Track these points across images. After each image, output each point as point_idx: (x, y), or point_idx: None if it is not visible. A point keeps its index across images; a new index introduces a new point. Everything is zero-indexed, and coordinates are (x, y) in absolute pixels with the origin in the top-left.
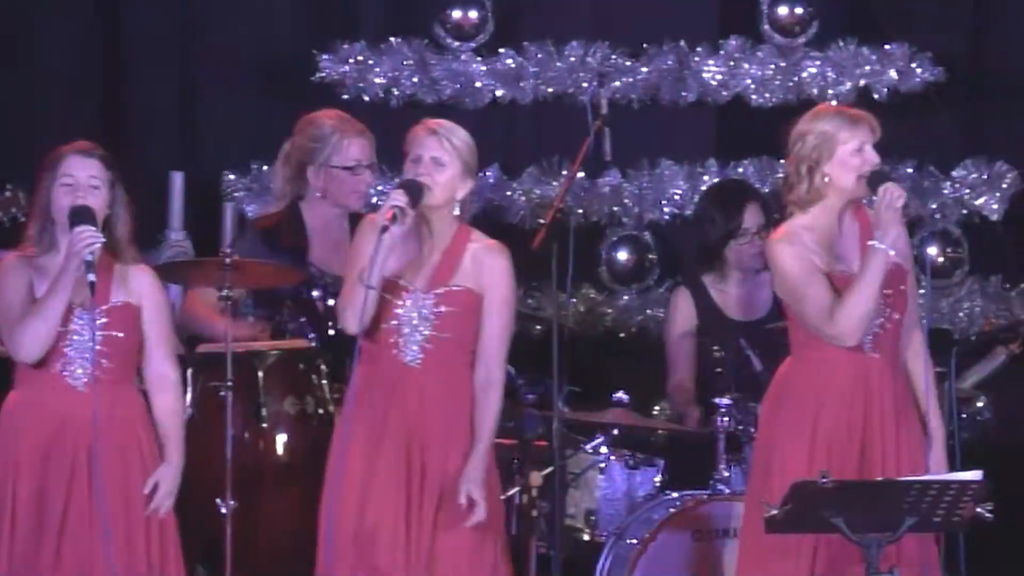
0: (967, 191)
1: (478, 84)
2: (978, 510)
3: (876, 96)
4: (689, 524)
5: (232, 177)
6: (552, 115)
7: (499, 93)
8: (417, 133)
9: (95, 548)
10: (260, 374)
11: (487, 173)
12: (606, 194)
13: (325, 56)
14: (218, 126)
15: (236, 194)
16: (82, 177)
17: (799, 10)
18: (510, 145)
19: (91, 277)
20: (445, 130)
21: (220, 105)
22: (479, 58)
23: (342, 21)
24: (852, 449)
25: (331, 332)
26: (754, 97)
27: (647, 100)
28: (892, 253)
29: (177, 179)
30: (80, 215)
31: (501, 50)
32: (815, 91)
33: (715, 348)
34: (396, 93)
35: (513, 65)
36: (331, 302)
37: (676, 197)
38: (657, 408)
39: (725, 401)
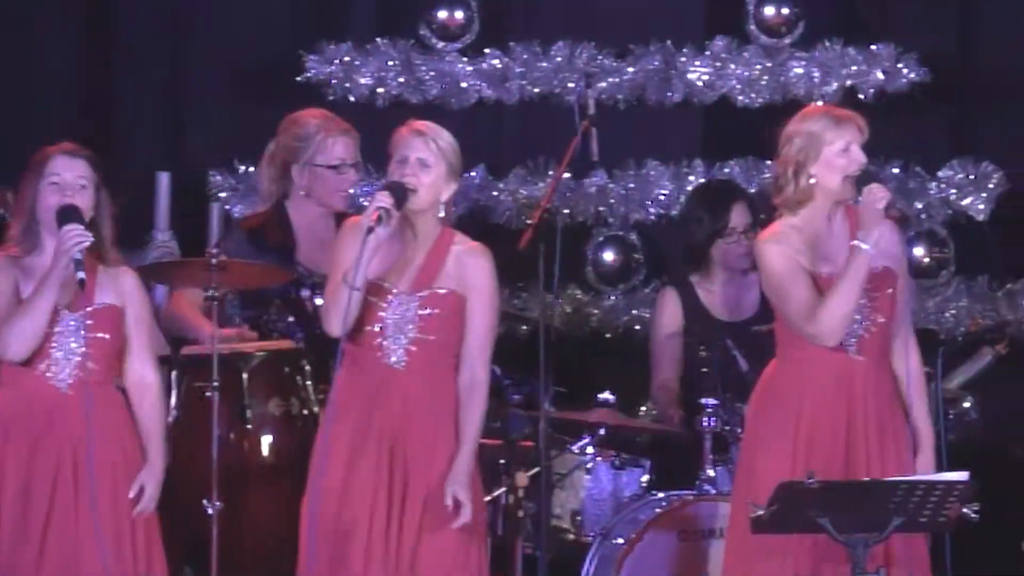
0: (953, 191)
1: (464, 84)
2: (964, 510)
3: (862, 96)
4: (675, 524)
5: (218, 177)
6: (538, 115)
7: (485, 93)
8: (403, 135)
9: (80, 549)
10: (245, 375)
11: (473, 173)
12: (592, 194)
13: (311, 56)
14: (204, 126)
15: (222, 194)
16: (69, 177)
17: (785, 10)
18: (496, 145)
19: (81, 275)
20: (431, 131)
21: (206, 105)
22: (465, 58)
23: (328, 22)
24: (837, 450)
25: (318, 332)
26: (740, 97)
27: (633, 100)
28: (872, 252)
29: (163, 179)
30: (68, 214)
31: (487, 50)
32: (801, 91)
33: (701, 348)
34: (382, 93)
35: (499, 65)
36: (319, 301)
37: (662, 197)
38: (643, 408)
39: (711, 402)
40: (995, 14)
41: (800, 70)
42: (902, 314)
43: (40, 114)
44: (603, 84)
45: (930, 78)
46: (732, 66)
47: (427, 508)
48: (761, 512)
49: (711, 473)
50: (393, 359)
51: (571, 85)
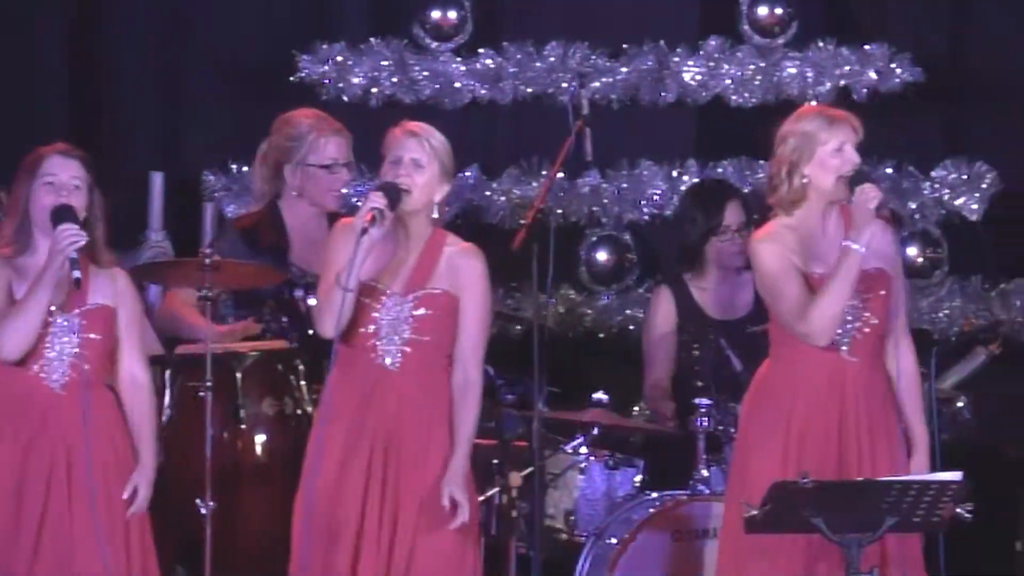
0: (947, 191)
1: (457, 84)
2: (957, 510)
3: (855, 96)
4: (669, 524)
5: (212, 177)
6: (532, 115)
7: (479, 93)
8: (396, 135)
9: (74, 549)
10: (238, 375)
11: (467, 173)
12: (586, 194)
13: (304, 56)
14: (198, 126)
15: (216, 194)
16: (64, 177)
17: (778, 10)
18: (490, 145)
19: (76, 274)
20: (425, 132)
21: (200, 105)
22: (458, 58)
23: (322, 22)
24: (829, 450)
25: (312, 332)
26: (734, 97)
27: (627, 100)
28: (864, 252)
29: (157, 179)
30: (62, 214)
31: (480, 50)
32: (794, 91)
33: (695, 346)
34: (375, 93)
35: (492, 65)
36: (312, 301)
37: (656, 197)
38: (636, 408)
39: (705, 401)
40: (988, 14)
41: (793, 70)
42: (896, 315)
43: (34, 114)
44: (596, 84)
45: (923, 78)
46: (725, 66)
47: (422, 509)
48: (755, 512)
49: (705, 473)
50: (387, 360)
51: (564, 85)
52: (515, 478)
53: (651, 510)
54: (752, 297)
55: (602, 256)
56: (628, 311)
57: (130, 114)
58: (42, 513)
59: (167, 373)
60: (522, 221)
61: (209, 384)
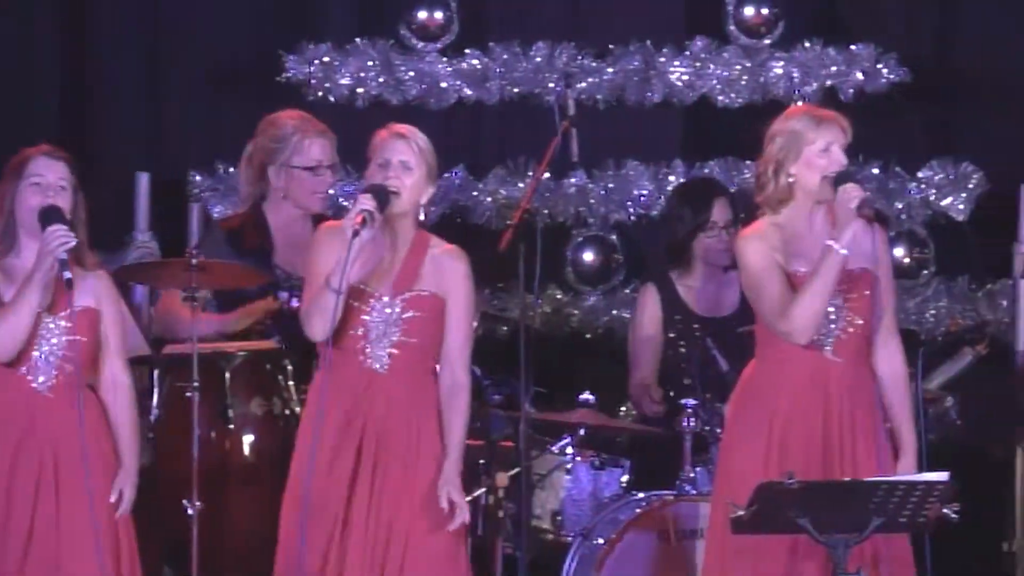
0: (933, 192)
1: (444, 85)
2: (944, 511)
3: (842, 97)
4: (655, 525)
5: (198, 178)
6: (518, 116)
7: (465, 94)
8: (383, 137)
9: (63, 550)
10: (227, 375)
11: (453, 174)
12: (572, 195)
13: (291, 57)
14: (184, 127)
15: (202, 195)
16: (51, 178)
17: (765, 11)
18: (476, 146)
19: (68, 275)
20: (412, 134)
21: (186, 106)
22: (445, 59)
23: (308, 22)
24: (813, 450)
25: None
26: (720, 98)
27: (613, 101)
28: (846, 252)
29: (143, 180)
30: (51, 215)
31: (467, 51)
32: (781, 92)
33: (681, 343)
34: (362, 94)
35: (479, 66)
36: (295, 303)
37: (642, 198)
38: (623, 409)
39: (691, 402)
40: (975, 15)
41: (780, 70)
42: (883, 316)
43: (19, 115)
44: (583, 84)
45: (910, 78)
46: (712, 66)
47: (415, 512)
48: (741, 512)
49: (691, 474)
50: (376, 363)
51: (551, 85)
52: (502, 478)
53: (638, 510)
54: (738, 296)
55: (588, 256)
56: (614, 311)
57: (116, 114)
58: (32, 515)
59: (155, 373)
60: (508, 221)
61: (196, 384)
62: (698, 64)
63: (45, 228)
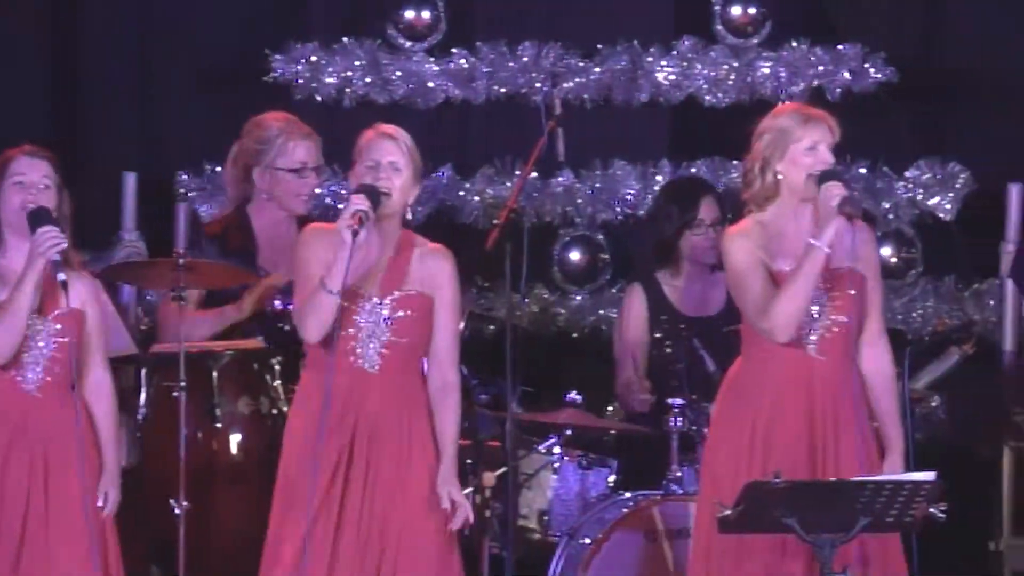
0: (920, 191)
1: (431, 84)
2: (931, 510)
3: (829, 96)
4: (642, 524)
5: (185, 177)
6: (505, 115)
7: (452, 93)
8: (371, 138)
9: (53, 551)
10: (214, 374)
11: (440, 173)
12: (559, 194)
13: (277, 56)
14: (171, 126)
15: (190, 194)
16: (35, 177)
17: (752, 10)
18: (463, 145)
19: (62, 276)
20: (400, 135)
21: (174, 106)
22: (432, 58)
23: (295, 21)
24: (799, 449)
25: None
26: (707, 97)
27: (600, 100)
28: (827, 250)
29: (130, 180)
30: (40, 216)
31: (454, 50)
32: (768, 91)
33: (667, 343)
34: (348, 93)
35: (466, 65)
36: (277, 303)
37: (629, 197)
38: (610, 408)
39: (678, 401)
40: (961, 14)
41: (767, 70)
42: (871, 315)
43: (6, 115)
44: (570, 84)
45: (897, 78)
46: (699, 66)
47: (408, 512)
48: (728, 512)
49: (678, 473)
50: (367, 363)
51: (538, 85)
52: (488, 478)
53: (624, 510)
54: (725, 295)
55: (575, 256)
56: (601, 311)
57: (104, 114)
58: (24, 516)
59: (142, 373)
60: (495, 221)
61: (183, 384)
62: (685, 64)
63: (35, 229)
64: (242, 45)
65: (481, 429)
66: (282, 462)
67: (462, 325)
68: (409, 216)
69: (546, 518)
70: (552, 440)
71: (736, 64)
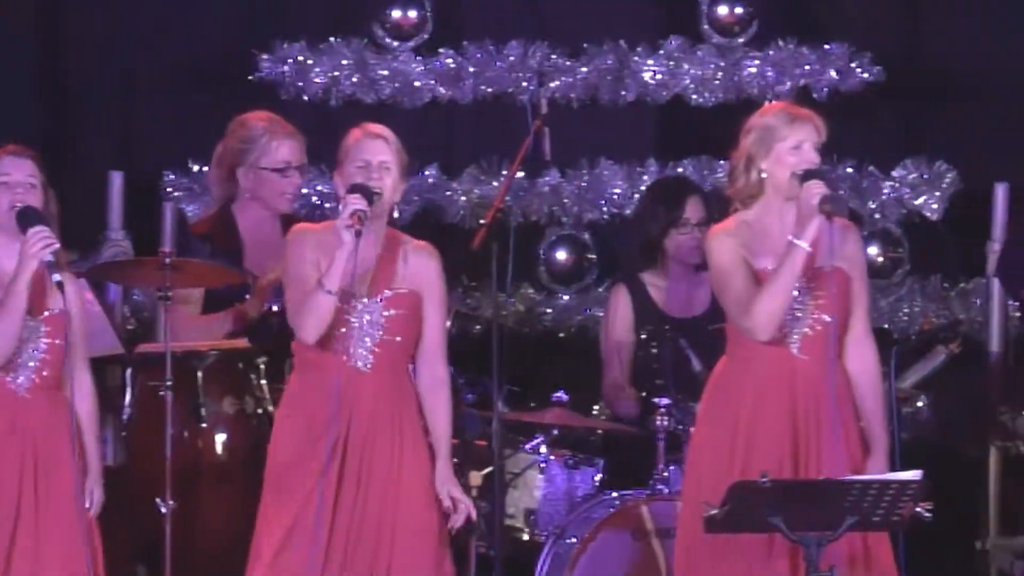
0: (907, 191)
1: (417, 84)
2: (917, 510)
3: (816, 96)
4: (629, 524)
5: (171, 177)
6: (491, 115)
7: (438, 93)
8: (359, 138)
9: (43, 551)
10: (199, 374)
11: (426, 173)
12: (545, 194)
13: (264, 56)
14: (157, 126)
15: (176, 194)
16: (20, 176)
17: (738, 10)
18: (449, 145)
19: (57, 277)
20: (388, 134)
21: (159, 105)
22: (418, 58)
23: (281, 21)
24: (782, 448)
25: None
26: (694, 97)
27: (586, 100)
28: (808, 248)
29: (116, 179)
30: (29, 216)
31: (440, 50)
32: (755, 91)
33: (653, 344)
34: (335, 93)
35: (452, 65)
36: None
37: (615, 197)
38: (596, 407)
39: (665, 401)
40: (948, 13)
41: (754, 69)
42: (856, 315)
43: None
44: (556, 83)
45: (884, 77)
46: (685, 65)
47: (403, 510)
48: (715, 512)
49: (665, 472)
50: (360, 362)
51: (524, 84)
52: (475, 477)
53: (611, 509)
54: (710, 295)
55: (561, 255)
56: (587, 310)
57: (90, 113)
58: (15, 517)
59: (127, 372)
60: (482, 220)
61: (169, 383)
62: (672, 63)
63: (25, 230)
64: (229, 45)
65: (468, 428)
66: (270, 461)
67: (448, 323)
68: (396, 215)
69: (533, 517)
70: (538, 439)
71: (723, 64)
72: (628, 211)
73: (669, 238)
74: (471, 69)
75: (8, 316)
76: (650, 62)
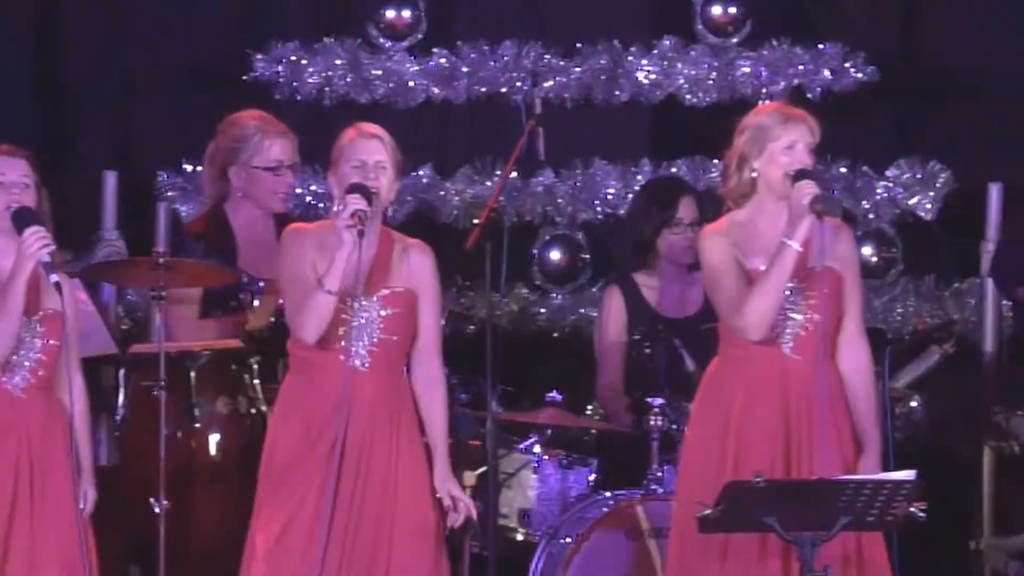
0: (901, 191)
1: (411, 84)
2: (911, 510)
3: (810, 96)
4: (623, 523)
5: (165, 177)
6: (485, 115)
7: (432, 93)
8: (354, 138)
9: (38, 554)
10: (192, 374)
11: (420, 173)
12: (539, 194)
13: (258, 56)
14: (152, 126)
15: (170, 194)
16: (13, 176)
17: (732, 10)
18: (443, 145)
19: (54, 277)
20: (383, 134)
21: (154, 105)
22: (412, 58)
23: (275, 21)
24: (774, 448)
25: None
26: (688, 97)
27: (580, 100)
28: (799, 248)
29: (110, 179)
30: (25, 216)
31: (434, 50)
32: (749, 91)
33: (646, 345)
34: (329, 92)
35: (446, 65)
36: (256, 303)
37: (609, 197)
38: (590, 408)
39: (658, 400)
40: (942, 13)
41: (748, 69)
42: (849, 315)
43: None
44: (550, 83)
45: (877, 77)
46: (679, 65)
47: (401, 509)
48: (708, 511)
49: (658, 472)
50: (357, 361)
51: (518, 84)
52: (469, 477)
53: (605, 509)
54: (703, 295)
55: (555, 255)
56: (581, 310)
57: (84, 113)
58: (10, 518)
59: (121, 372)
60: (475, 220)
61: (163, 383)
62: (665, 63)
63: (20, 230)
64: (223, 44)
65: (461, 428)
66: (267, 460)
67: (442, 322)
68: (389, 213)
69: (527, 517)
70: (532, 439)
71: (716, 64)
72: (622, 211)
73: (662, 238)
74: (465, 69)
75: (6, 316)
76: (644, 62)
